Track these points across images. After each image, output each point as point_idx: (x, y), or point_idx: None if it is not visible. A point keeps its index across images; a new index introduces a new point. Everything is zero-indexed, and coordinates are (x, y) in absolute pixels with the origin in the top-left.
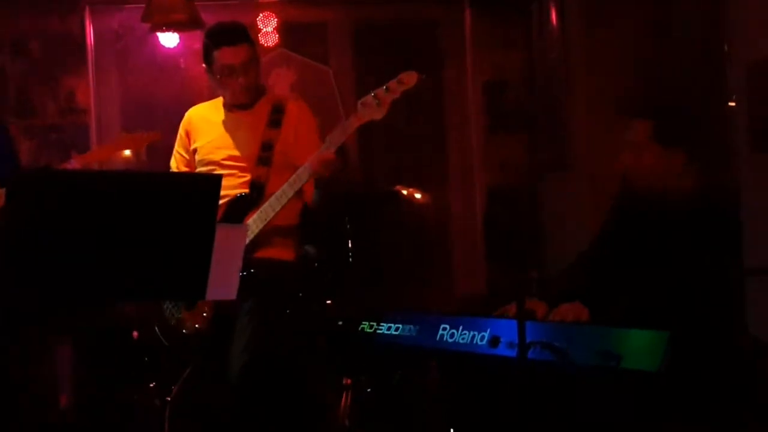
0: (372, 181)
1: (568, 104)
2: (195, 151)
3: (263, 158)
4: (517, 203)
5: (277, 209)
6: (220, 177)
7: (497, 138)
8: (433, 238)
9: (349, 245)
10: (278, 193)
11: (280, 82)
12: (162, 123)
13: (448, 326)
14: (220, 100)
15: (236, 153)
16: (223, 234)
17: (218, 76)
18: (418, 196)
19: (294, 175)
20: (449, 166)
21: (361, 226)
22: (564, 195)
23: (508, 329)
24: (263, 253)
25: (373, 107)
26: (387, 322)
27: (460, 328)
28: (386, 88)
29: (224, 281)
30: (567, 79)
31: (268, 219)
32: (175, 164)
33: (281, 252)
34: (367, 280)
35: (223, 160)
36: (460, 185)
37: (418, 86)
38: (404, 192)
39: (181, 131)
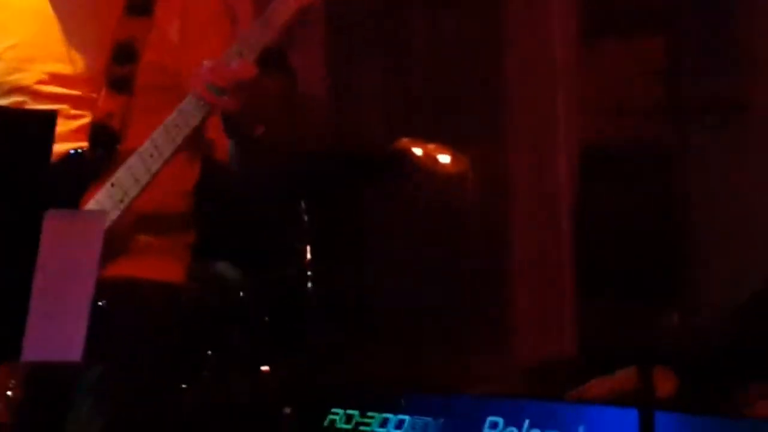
0: (356, 131)
1: None
2: None
3: (118, 78)
4: (642, 177)
5: (147, 179)
6: (53, 115)
7: (603, 50)
8: (473, 245)
9: (308, 256)
10: (147, 145)
11: None
12: None
13: (501, 422)
14: None
15: (64, 68)
16: (54, 230)
17: None
18: (443, 160)
19: (175, 111)
20: (506, 103)
21: (333, 219)
22: (736, 161)
23: (619, 426)
24: (121, 269)
25: None
26: (381, 412)
27: (526, 424)
28: None
29: (58, 326)
30: None
31: (129, 199)
32: None
33: (158, 266)
34: (341, 325)
35: (40, 83)
36: (529, 142)
37: None
38: (417, 152)
39: None
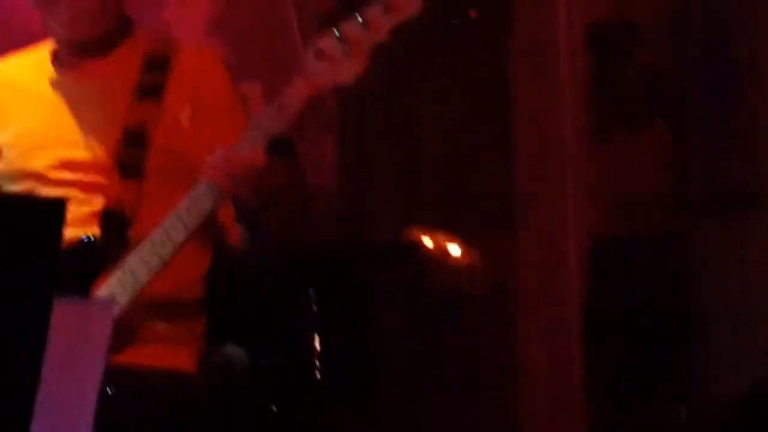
0: (366, 220)
1: (763, 74)
2: None
3: (128, 163)
4: (652, 269)
5: (158, 266)
6: (63, 202)
7: (612, 140)
8: (482, 337)
9: (316, 346)
10: (158, 232)
11: (185, 14)
12: None
13: None
14: (45, 49)
15: (75, 153)
16: (63, 319)
17: None
18: (453, 251)
19: (187, 198)
20: (516, 193)
21: (341, 309)
22: (745, 252)
23: None
24: (132, 356)
25: (337, 59)
26: None
27: None
28: (361, 19)
29: (65, 416)
30: (757, 28)
31: (139, 286)
32: None
33: (169, 354)
34: (349, 415)
35: (50, 169)
36: (540, 232)
37: (439, 27)
38: (427, 243)
39: None
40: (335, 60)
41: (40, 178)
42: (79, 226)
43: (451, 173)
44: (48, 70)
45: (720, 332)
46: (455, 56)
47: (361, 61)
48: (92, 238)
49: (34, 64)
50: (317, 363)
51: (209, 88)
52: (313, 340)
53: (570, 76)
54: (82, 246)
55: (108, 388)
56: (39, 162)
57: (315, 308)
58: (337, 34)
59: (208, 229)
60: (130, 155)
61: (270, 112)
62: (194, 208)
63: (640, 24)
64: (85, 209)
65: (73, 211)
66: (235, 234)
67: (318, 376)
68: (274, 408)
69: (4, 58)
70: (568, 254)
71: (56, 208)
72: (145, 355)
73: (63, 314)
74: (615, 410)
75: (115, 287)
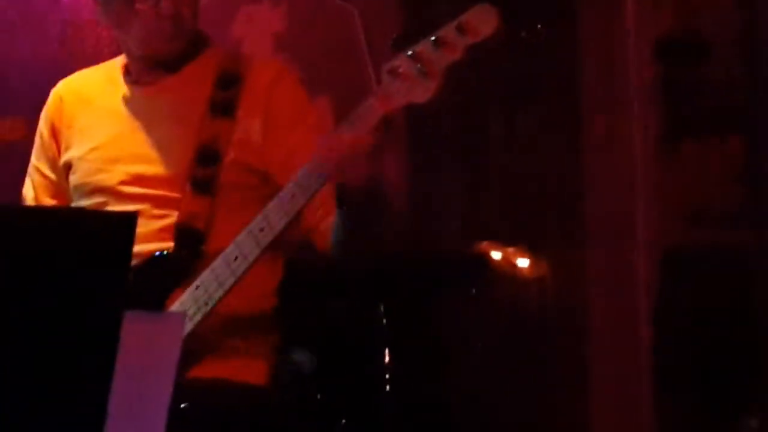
0: (435, 234)
1: None
2: (69, 166)
3: (201, 178)
4: (721, 281)
5: (232, 283)
6: (134, 216)
7: (682, 152)
8: (552, 351)
9: (386, 358)
10: (231, 249)
11: (254, 31)
12: (19, 107)
13: None
14: (115, 63)
15: (147, 168)
16: (133, 332)
17: (114, 4)
18: (522, 263)
19: (260, 215)
20: (585, 207)
21: (412, 322)
22: None
23: None
24: (206, 371)
25: (411, 79)
26: None
27: None
28: (435, 40)
29: (136, 430)
30: None
31: (213, 302)
32: (32, 194)
33: (243, 367)
34: (419, 430)
35: (122, 184)
36: (608, 246)
37: (507, 40)
38: (496, 256)
39: (42, 128)
40: (409, 79)
41: (111, 192)
42: (152, 240)
43: (520, 187)
44: (119, 85)
45: None
46: (523, 69)
47: (435, 81)
48: (166, 254)
49: (105, 79)
50: (387, 377)
51: (281, 99)
52: (383, 354)
53: (639, 88)
54: (156, 261)
55: (181, 403)
56: (111, 177)
57: (385, 322)
58: (411, 53)
59: (281, 245)
60: (203, 171)
61: (344, 128)
62: (267, 226)
63: (708, 37)
64: (157, 224)
65: (145, 226)
66: (322, 232)
67: (388, 389)
68: (343, 422)
69: (80, 72)
70: (637, 267)
71: (127, 222)
72: (218, 369)
73: (133, 327)
74: (685, 423)
75: (188, 303)
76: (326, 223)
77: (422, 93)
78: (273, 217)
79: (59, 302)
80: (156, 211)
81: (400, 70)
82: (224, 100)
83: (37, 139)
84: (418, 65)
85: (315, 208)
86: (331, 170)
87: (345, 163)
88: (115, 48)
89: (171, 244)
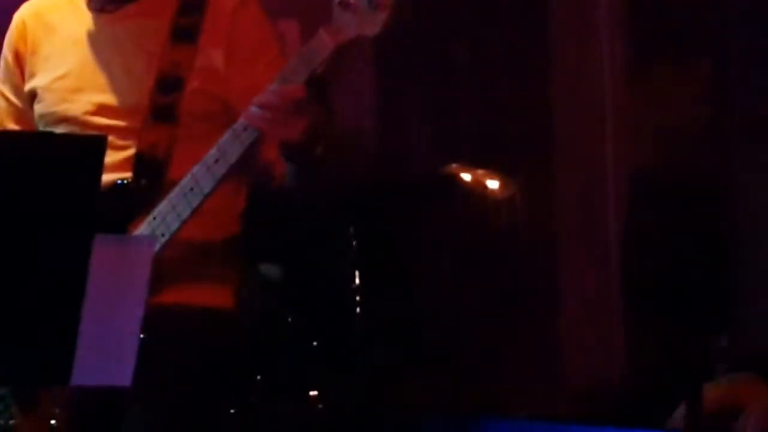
0: (404, 160)
1: None
2: (33, 95)
3: (162, 107)
4: (691, 201)
5: (188, 214)
6: (103, 139)
7: (651, 74)
8: (522, 270)
9: (356, 280)
10: (187, 180)
11: None
12: None
13: None
14: None
15: (110, 98)
16: (103, 255)
17: None
18: (492, 185)
19: (215, 147)
20: (554, 127)
21: (381, 244)
22: None
23: None
24: (169, 297)
25: (361, 11)
26: None
27: None
28: None
29: (107, 351)
30: None
31: (170, 232)
32: None
33: (207, 292)
34: (389, 349)
35: (86, 114)
36: (577, 166)
37: None
38: (465, 178)
39: (6, 53)
40: (359, 11)
41: (76, 122)
42: (115, 170)
43: (488, 109)
44: (82, 11)
45: (760, 261)
46: None
47: (385, 13)
48: (126, 182)
49: (68, 4)
50: (357, 299)
51: (244, 27)
52: (354, 276)
53: (608, 9)
54: (116, 190)
55: (148, 329)
56: (75, 107)
57: (355, 245)
58: None
59: (243, 172)
60: (164, 100)
61: (294, 63)
62: (221, 158)
63: None
64: (121, 154)
65: (108, 156)
66: (280, 171)
67: (358, 311)
68: (315, 343)
69: None
70: (607, 189)
71: (96, 145)
72: (182, 295)
73: (103, 250)
74: (655, 342)
75: (146, 233)
76: (281, 171)
77: (372, 26)
78: (227, 149)
79: (30, 223)
80: (119, 142)
81: (351, 1)
82: (186, 26)
83: (1, 64)
84: None
85: (274, 142)
86: (264, 128)
87: (279, 119)
88: None
89: (129, 174)
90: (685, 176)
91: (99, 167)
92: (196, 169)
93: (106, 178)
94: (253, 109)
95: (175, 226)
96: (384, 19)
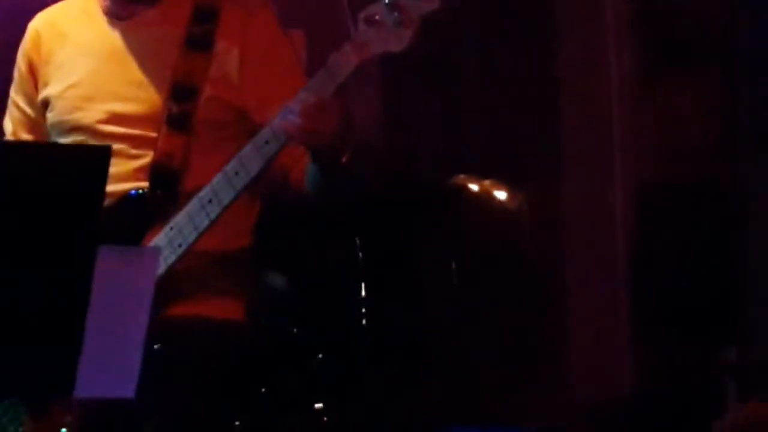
0: (412, 168)
1: None
2: (46, 103)
3: (177, 115)
4: (699, 213)
5: (206, 225)
6: (107, 150)
7: (660, 86)
8: (529, 281)
9: (362, 293)
10: (206, 191)
11: None
12: None
13: None
14: None
15: (124, 107)
16: (108, 266)
17: None
18: (499, 196)
19: (235, 159)
20: (562, 139)
21: (388, 255)
22: None
23: None
24: (181, 309)
25: (387, 27)
26: None
27: None
28: None
29: (111, 362)
30: None
31: (187, 244)
32: (10, 128)
33: (218, 304)
34: (395, 362)
35: (99, 123)
36: (584, 178)
37: None
38: (473, 188)
39: (20, 63)
40: (385, 27)
41: (89, 131)
42: (128, 180)
43: (497, 120)
44: (96, 18)
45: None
46: (496, 4)
47: (411, 30)
48: (141, 192)
49: (82, 12)
50: (363, 311)
51: (258, 35)
52: (359, 288)
53: (616, 20)
54: (130, 200)
55: (157, 341)
56: (88, 115)
57: (361, 256)
58: (388, 1)
59: (257, 186)
60: (179, 108)
61: (320, 77)
62: (242, 170)
63: None
64: (134, 163)
65: (121, 165)
66: (296, 177)
67: (364, 323)
68: (320, 356)
69: (56, 5)
70: (614, 201)
71: (100, 156)
72: (194, 308)
73: (108, 261)
74: (663, 356)
75: (162, 243)
76: (302, 164)
77: (397, 42)
78: (248, 161)
79: (34, 234)
80: (133, 151)
81: (377, 17)
82: (200, 34)
83: (15, 74)
84: (395, 14)
85: (291, 148)
86: (295, 136)
87: (309, 127)
88: None
89: (145, 184)
90: (694, 189)
91: (103, 178)
92: (215, 180)
93: (120, 187)
94: (286, 115)
95: (192, 237)
96: (410, 36)
